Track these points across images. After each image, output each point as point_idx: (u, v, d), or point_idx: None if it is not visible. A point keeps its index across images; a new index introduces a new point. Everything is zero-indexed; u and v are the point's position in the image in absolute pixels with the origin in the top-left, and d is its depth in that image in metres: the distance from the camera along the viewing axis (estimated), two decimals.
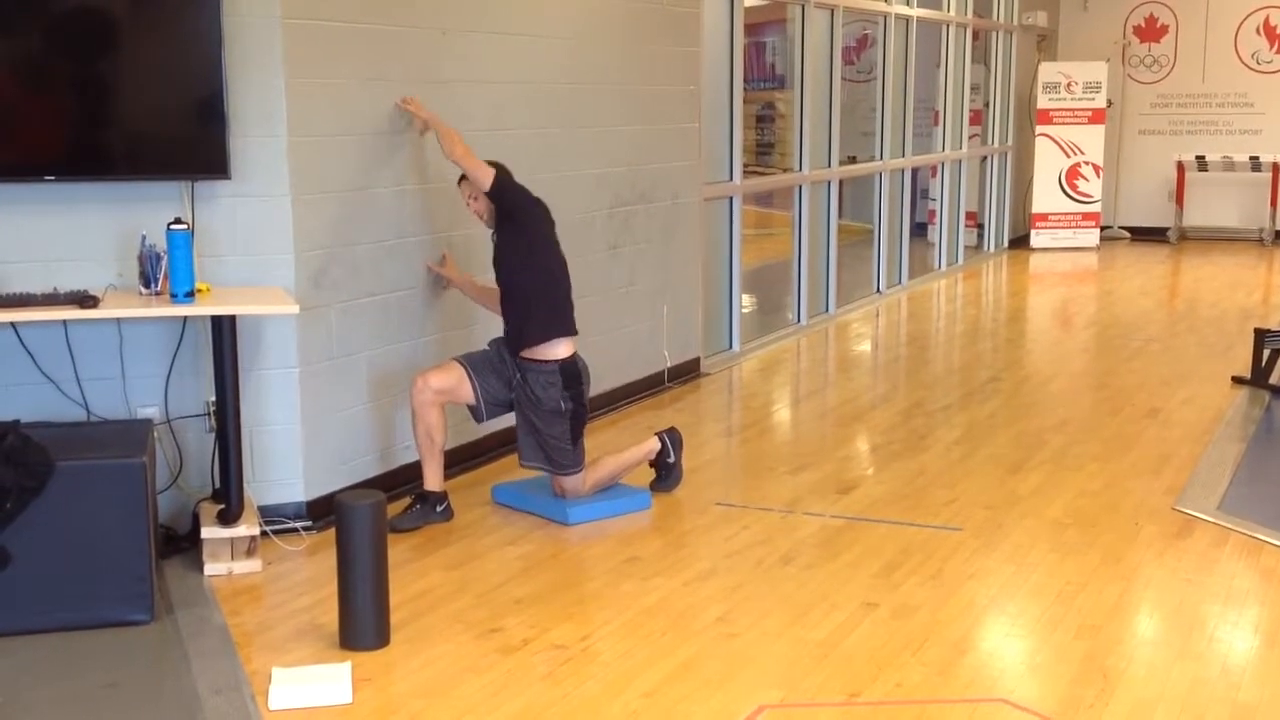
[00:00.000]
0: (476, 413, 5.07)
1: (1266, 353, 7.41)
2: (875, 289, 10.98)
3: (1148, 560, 4.62)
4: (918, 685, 3.60)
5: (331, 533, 4.82)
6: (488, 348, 5.13)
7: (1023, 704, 3.49)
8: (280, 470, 4.83)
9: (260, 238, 4.72)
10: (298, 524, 4.80)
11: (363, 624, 3.81)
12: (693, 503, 5.28)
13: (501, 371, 5.04)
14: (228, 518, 4.44)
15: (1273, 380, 7.39)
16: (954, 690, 3.58)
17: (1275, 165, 14.83)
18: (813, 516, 5.07)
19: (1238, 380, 7.50)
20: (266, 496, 4.77)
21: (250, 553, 4.45)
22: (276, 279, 4.72)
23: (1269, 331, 7.58)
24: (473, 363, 5.03)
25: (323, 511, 4.92)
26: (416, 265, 5.37)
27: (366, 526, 3.82)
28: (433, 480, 4.99)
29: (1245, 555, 4.67)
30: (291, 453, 4.85)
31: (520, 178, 5.26)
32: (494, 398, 5.05)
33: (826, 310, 9.89)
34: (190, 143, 4.59)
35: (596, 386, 6.65)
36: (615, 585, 4.36)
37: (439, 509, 4.98)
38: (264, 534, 4.58)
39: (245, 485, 4.53)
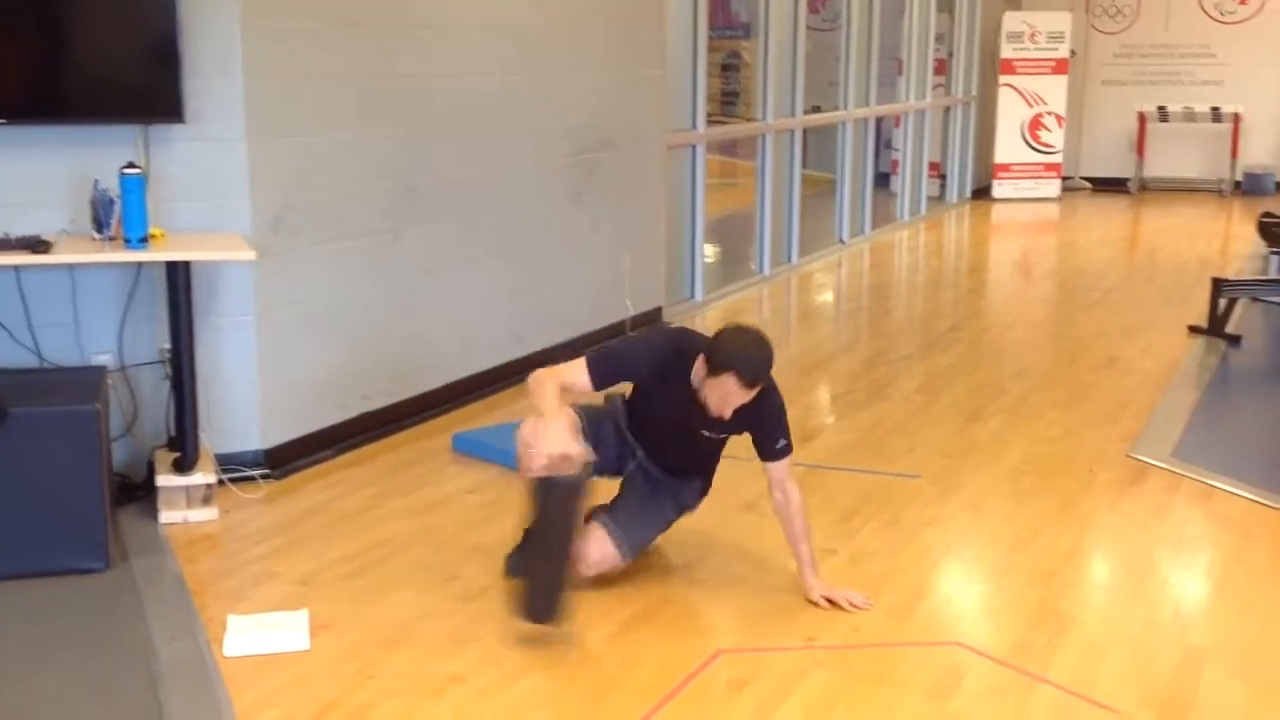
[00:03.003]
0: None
1: (1223, 302, 7.47)
2: (838, 239, 10.98)
3: (1102, 507, 4.67)
4: (875, 629, 3.63)
5: (290, 480, 4.84)
6: (605, 406, 4.04)
7: (977, 647, 3.52)
8: (237, 418, 4.80)
9: (216, 183, 4.66)
10: (255, 472, 4.78)
11: (547, 599, 3.53)
12: None
13: (618, 448, 4.00)
14: (183, 466, 4.41)
15: (1229, 329, 7.46)
16: (910, 634, 3.61)
17: (1236, 116, 14.91)
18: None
19: (1195, 329, 7.57)
20: (223, 444, 4.74)
21: (206, 501, 4.42)
22: (233, 225, 4.66)
23: (1226, 281, 7.65)
24: (589, 418, 3.88)
25: (280, 460, 4.90)
26: (377, 211, 5.32)
27: (570, 504, 3.52)
28: None
29: (1197, 501, 4.73)
30: (249, 401, 4.82)
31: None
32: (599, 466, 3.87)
33: (789, 260, 9.89)
34: (144, 86, 4.50)
35: (557, 335, 6.65)
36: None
37: None
38: (220, 482, 4.55)
39: (201, 433, 4.50)
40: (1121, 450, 5.29)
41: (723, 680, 3.33)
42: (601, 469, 3.83)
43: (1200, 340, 7.37)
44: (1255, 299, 8.37)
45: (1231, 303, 7.53)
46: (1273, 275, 8.73)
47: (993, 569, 4.12)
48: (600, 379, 3.69)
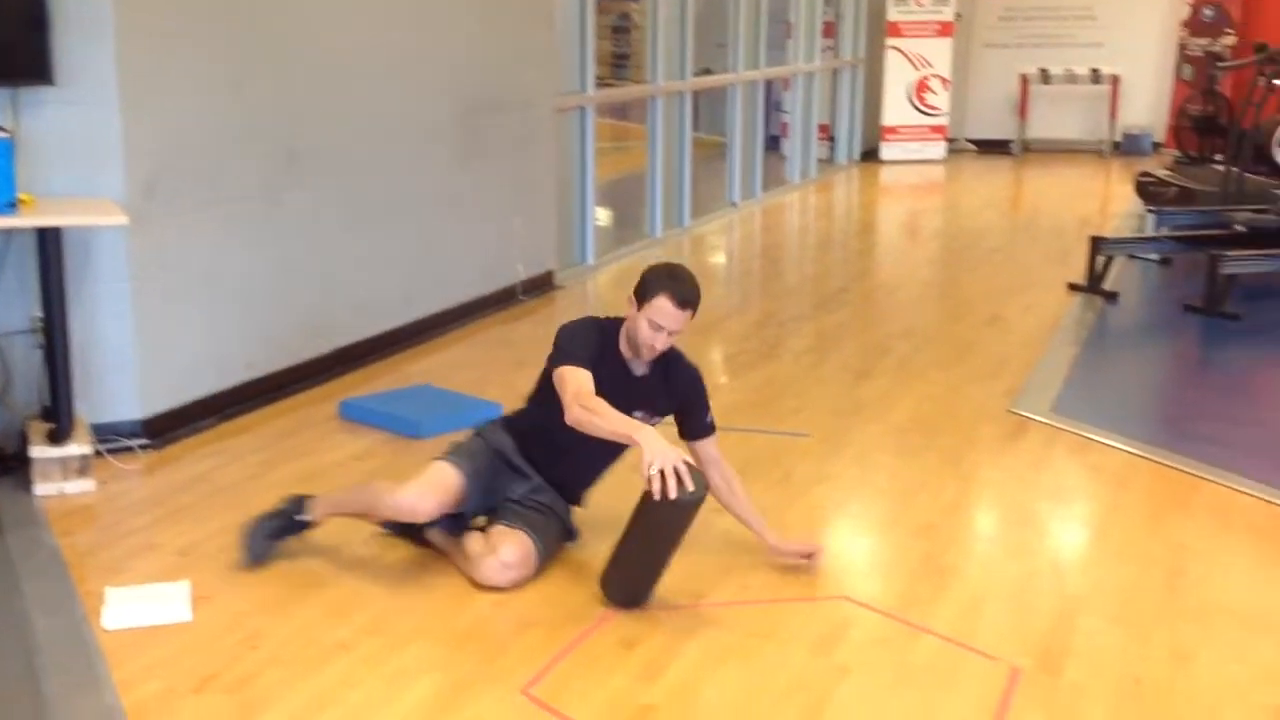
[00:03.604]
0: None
1: (1101, 260, 7.65)
2: (729, 201, 11.02)
3: (984, 461, 4.76)
4: (762, 586, 3.67)
5: (170, 450, 4.74)
6: (481, 441, 3.86)
7: (863, 600, 3.58)
8: (114, 387, 4.68)
9: (88, 147, 4.52)
10: (133, 442, 4.67)
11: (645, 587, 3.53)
12: None
13: (510, 478, 3.83)
14: (58, 437, 4.29)
15: (1107, 287, 7.64)
16: (797, 590, 3.65)
17: (1114, 78, 15.25)
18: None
19: (1074, 287, 7.74)
20: (100, 414, 4.62)
21: (83, 472, 4.31)
22: (105, 190, 4.53)
23: (1104, 240, 7.83)
24: (471, 460, 3.78)
25: (159, 429, 4.80)
26: (256, 176, 5.21)
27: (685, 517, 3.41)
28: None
29: (1075, 454, 4.84)
30: (125, 370, 4.70)
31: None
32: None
33: (681, 223, 9.91)
34: (11, 48, 4.33)
35: (447, 300, 6.59)
36: None
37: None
38: (97, 453, 4.44)
39: (76, 403, 4.38)
40: (1003, 406, 5.40)
41: (613, 640, 3.34)
42: (492, 506, 3.76)
43: (1079, 298, 7.55)
44: (1132, 256, 8.60)
45: (1109, 261, 7.72)
46: (1149, 234, 8.95)
47: (878, 524, 4.19)
48: (584, 361, 3.55)
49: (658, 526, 3.42)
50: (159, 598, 3.48)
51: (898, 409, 5.38)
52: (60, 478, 4.28)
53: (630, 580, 3.53)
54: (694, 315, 3.63)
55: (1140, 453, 4.82)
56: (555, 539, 3.79)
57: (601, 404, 3.42)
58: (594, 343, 3.64)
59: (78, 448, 4.30)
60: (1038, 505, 4.36)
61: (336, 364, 5.74)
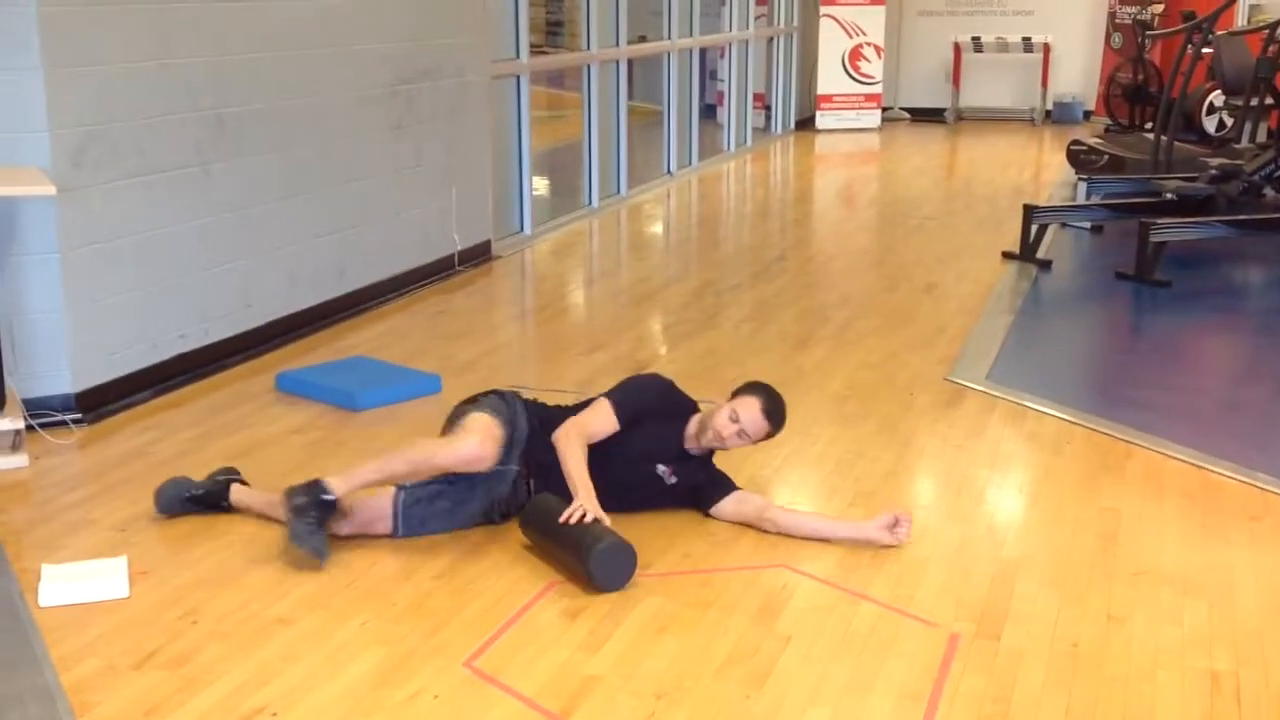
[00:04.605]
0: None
1: (1035, 228, 7.73)
2: (666, 170, 11.01)
3: (921, 429, 4.81)
4: (703, 555, 3.69)
5: (104, 424, 4.67)
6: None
7: (803, 568, 3.60)
8: (45, 361, 4.60)
9: (12, 115, 4.42)
10: (66, 417, 4.59)
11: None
12: (484, 386, 5.18)
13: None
14: None
15: (1040, 255, 7.73)
16: (738, 559, 3.67)
17: (1046, 46, 15.39)
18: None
19: (1008, 255, 7.82)
20: (31, 389, 4.54)
21: (15, 447, 4.24)
22: (31, 158, 4.43)
23: (1038, 208, 7.91)
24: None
25: (93, 403, 4.72)
26: (185, 144, 5.12)
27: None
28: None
29: (1011, 422, 4.91)
30: (56, 343, 4.62)
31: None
32: None
33: (618, 192, 9.88)
34: None
35: (383, 271, 6.53)
36: None
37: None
38: (30, 428, 4.37)
39: (6, 377, 4.30)
40: (939, 374, 5.45)
41: (555, 611, 3.34)
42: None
43: (1013, 266, 7.63)
44: (1065, 225, 8.70)
45: (1043, 229, 7.80)
46: (1081, 202, 9.06)
47: (817, 491, 4.22)
48: (624, 418, 3.83)
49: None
50: (96, 574, 3.43)
51: (836, 377, 5.41)
52: None
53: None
54: (768, 438, 3.96)
55: (1074, 419, 4.89)
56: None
57: (580, 453, 3.71)
58: (650, 405, 3.92)
59: (9, 422, 4.22)
60: (974, 472, 4.41)
61: (272, 336, 5.67)
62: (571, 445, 3.74)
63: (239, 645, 3.14)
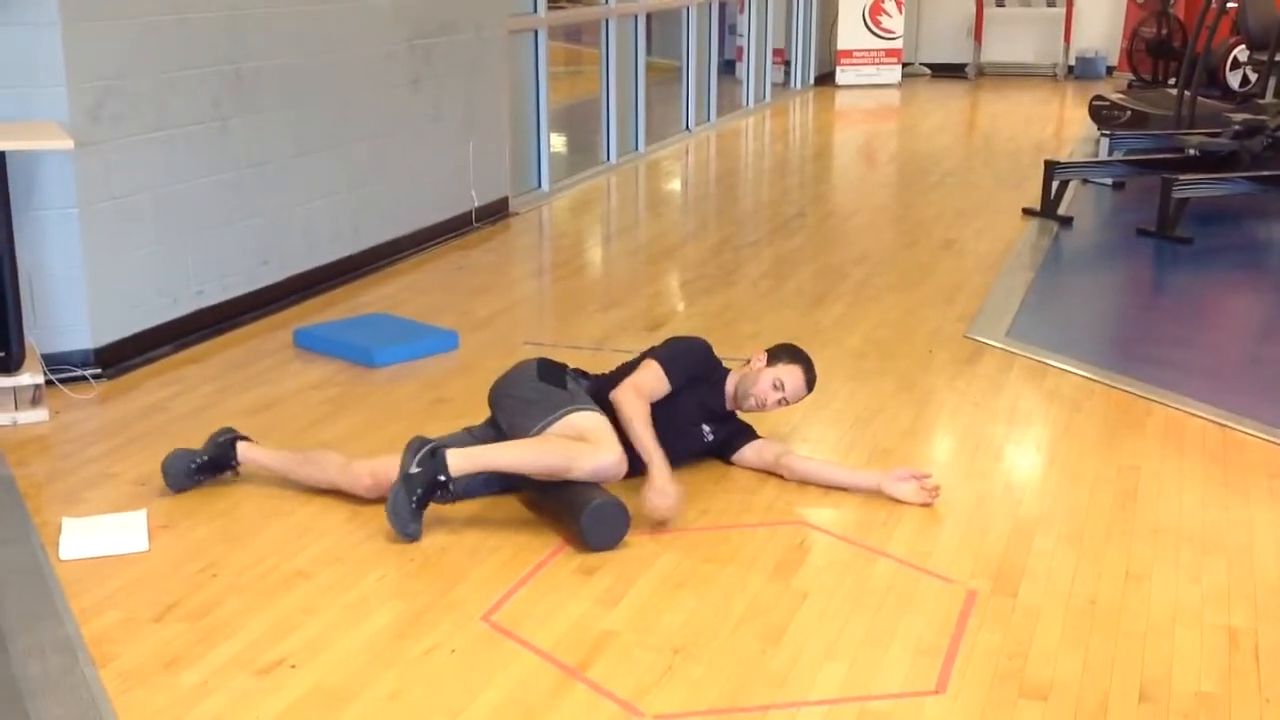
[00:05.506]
0: None
1: (1056, 184, 7.68)
2: (684, 127, 10.95)
3: (939, 386, 4.79)
4: (721, 512, 3.69)
5: (123, 379, 4.69)
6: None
7: (820, 525, 3.61)
8: (64, 316, 4.61)
9: (30, 69, 4.41)
10: (86, 372, 4.61)
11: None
12: (502, 343, 5.24)
13: None
14: (9, 366, 4.22)
15: (1061, 211, 7.67)
16: (755, 516, 3.67)
17: (1069, 1, 15.21)
18: (621, 353, 5.09)
19: (1028, 212, 7.77)
20: (51, 344, 4.55)
21: (35, 402, 4.26)
22: (49, 113, 4.43)
23: (1059, 164, 7.85)
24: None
25: (112, 358, 4.74)
26: (203, 99, 5.11)
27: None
28: None
29: (1030, 379, 4.88)
30: (75, 298, 4.63)
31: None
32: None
33: (636, 149, 9.84)
34: None
35: (401, 227, 6.53)
36: (422, 426, 4.28)
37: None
38: (50, 382, 4.39)
39: (27, 332, 4.31)
40: (958, 331, 5.43)
41: (571, 567, 3.35)
42: None
43: (1034, 222, 7.58)
44: (1086, 181, 8.63)
45: (1064, 185, 7.74)
46: (1103, 158, 8.98)
47: (835, 448, 4.21)
48: (676, 380, 3.83)
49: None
50: (116, 527, 3.46)
51: (853, 334, 5.40)
52: (13, 408, 4.23)
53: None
54: (800, 399, 4.04)
55: (1094, 376, 4.87)
56: None
57: (647, 416, 3.67)
58: (697, 367, 3.95)
59: (30, 377, 4.24)
60: (993, 429, 4.40)
61: (290, 292, 5.68)
62: (637, 409, 3.66)
63: (258, 598, 3.16)
